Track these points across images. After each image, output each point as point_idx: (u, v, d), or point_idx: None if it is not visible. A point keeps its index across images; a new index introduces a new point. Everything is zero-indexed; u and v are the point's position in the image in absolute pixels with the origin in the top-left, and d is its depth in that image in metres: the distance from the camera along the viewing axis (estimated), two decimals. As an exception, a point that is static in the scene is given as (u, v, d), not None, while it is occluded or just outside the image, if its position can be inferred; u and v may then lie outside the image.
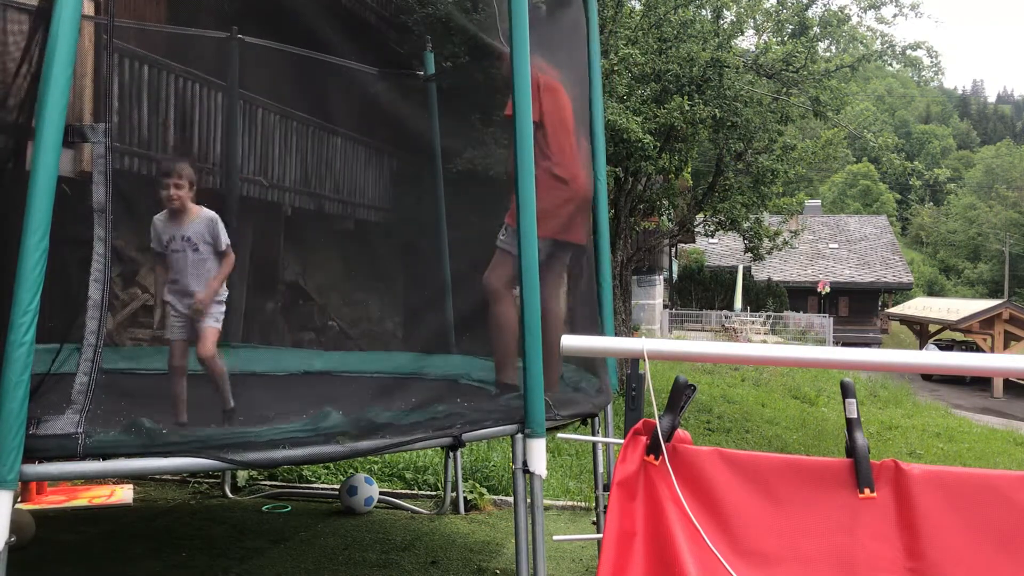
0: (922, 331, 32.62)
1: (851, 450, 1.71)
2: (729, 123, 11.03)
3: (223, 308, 4.04)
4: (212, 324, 3.96)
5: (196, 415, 3.38)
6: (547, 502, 5.92)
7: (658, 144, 10.59)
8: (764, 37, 11.89)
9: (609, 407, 4.14)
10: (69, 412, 2.50)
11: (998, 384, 25.43)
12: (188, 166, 3.98)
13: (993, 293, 51.78)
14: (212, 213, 3.99)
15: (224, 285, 4.07)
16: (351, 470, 6.20)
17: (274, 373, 5.29)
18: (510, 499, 5.78)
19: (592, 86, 4.45)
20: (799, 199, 18.73)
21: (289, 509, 5.57)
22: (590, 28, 4.39)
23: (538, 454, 3.10)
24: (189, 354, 3.88)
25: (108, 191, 2.78)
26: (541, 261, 3.74)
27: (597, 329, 4.25)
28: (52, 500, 5.41)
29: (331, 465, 6.28)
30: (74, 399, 2.54)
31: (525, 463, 3.11)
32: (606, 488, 3.97)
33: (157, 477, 5.95)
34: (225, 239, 3.97)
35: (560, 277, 4.08)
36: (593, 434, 4.04)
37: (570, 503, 6.13)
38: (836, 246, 42.54)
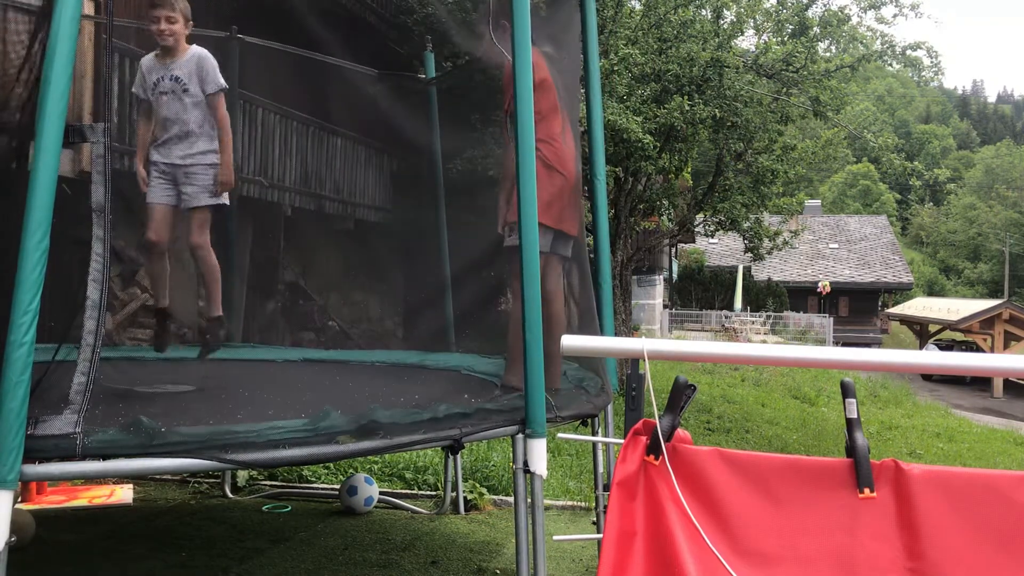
0: (922, 331, 32.63)
1: (851, 450, 1.71)
2: (729, 123, 11.03)
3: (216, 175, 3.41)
4: (207, 200, 3.38)
5: (196, 414, 3.37)
6: (547, 502, 5.92)
7: (658, 144, 10.59)
8: (764, 37, 11.89)
9: (609, 407, 4.14)
10: (67, 412, 2.49)
11: (998, 384, 25.43)
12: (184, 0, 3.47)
13: (993, 293, 51.80)
14: (204, 50, 3.46)
15: (224, 144, 3.45)
16: (351, 470, 6.20)
17: (274, 366, 5.29)
18: (510, 499, 5.78)
19: (591, 86, 4.45)
20: (799, 199, 18.73)
21: (289, 509, 5.57)
22: (588, 27, 4.39)
23: (539, 454, 3.10)
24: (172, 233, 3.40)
25: (107, 191, 2.77)
26: (545, 251, 3.73)
27: (595, 324, 4.25)
28: (52, 500, 5.41)
29: (331, 465, 6.28)
30: (72, 399, 2.54)
31: (526, 463, 3.10)
32: (606, 488, 3.96)
33: (157, 477, 5.94)
34: (216, 82, 3.41)
35: (560, 270, 4.06)
36: (593, 434, 4.04)
37: (570, 503, 6.13)
38: (836, 246, 42.55)
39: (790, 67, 11.01)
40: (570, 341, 1.93)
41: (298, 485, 6.10)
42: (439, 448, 4.69)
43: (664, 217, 15.10)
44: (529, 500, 3.12)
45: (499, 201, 3.98)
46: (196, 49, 3.44)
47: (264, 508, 5.57)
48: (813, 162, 13.37)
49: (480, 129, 7.20)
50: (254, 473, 6.03)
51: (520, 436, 3.14)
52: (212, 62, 3.42)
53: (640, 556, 1.70)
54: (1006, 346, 26.46)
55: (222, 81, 3.45)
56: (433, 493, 6.11)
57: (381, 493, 5.75)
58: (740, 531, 1.69)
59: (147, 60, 3.43)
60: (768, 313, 31.20)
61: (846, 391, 1.77)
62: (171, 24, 3.36)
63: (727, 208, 12.56)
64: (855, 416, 1.75)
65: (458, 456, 5.62)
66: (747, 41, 13.22)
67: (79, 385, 2.58)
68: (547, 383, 3.30)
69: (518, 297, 3.62)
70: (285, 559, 4.51)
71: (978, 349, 26.92)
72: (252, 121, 8.51)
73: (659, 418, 1.75)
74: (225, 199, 3.53)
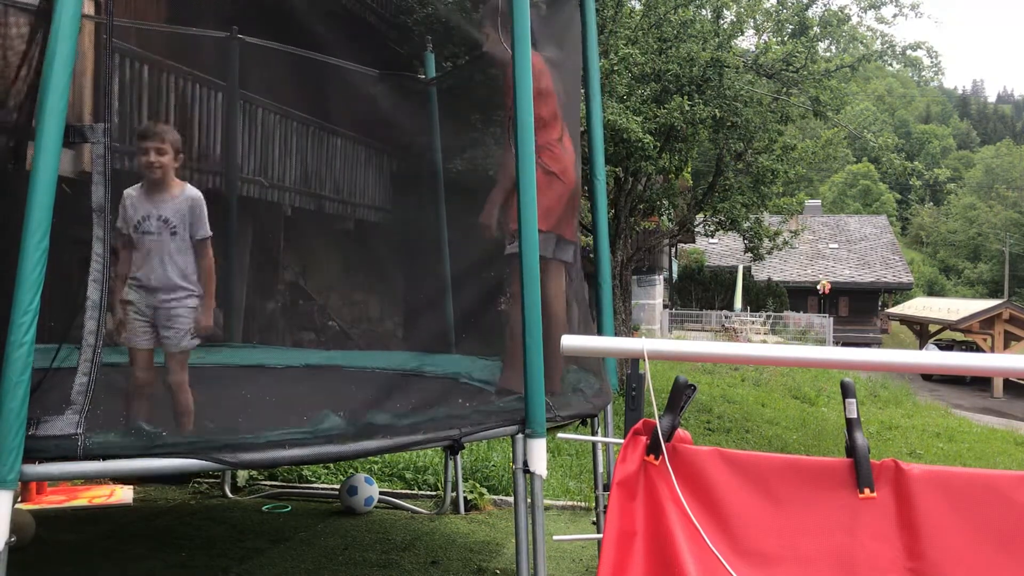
0: (922, 331, 32.62)
1: (851, 450, 1.71)
2: (729, 123, 11.03)
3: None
4: (187, 343, 3.27)
5: (196, 415, 3.37)
6: (547, 502, 5.92)
7: (658, 144, 10.59)
8: (764, 37, 11.90)
9: (609, 407, 4.14)
10: (68, 412, 2.49)
11: (998, 384, 25.43)
12: (174, 131, 3.37)
13: (993, 293, 51.79)
14: (197, 192, 3.34)
15: (208, 292, 3.35)
16: (351, 470, 6.20)
17: (274, 366, 5.30)
18: (510, 499, 5.78)
19: (591, 86, 4.44)
20: (799, 199, 18.72)
21: (289, 509, 5.57)
22: (588, 28, 4.38)
23: (539, 454, 3.10)
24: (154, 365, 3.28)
25: (107, 191, 2.76)
26: (547, 257, 3.73)
27: (591, 326, 4.25)
28: (52, 500, 5.41)
29: (331, 465, 6.28)
30: (73, 399, 2.54)
31: (525, 463, 3.10)
32: (606, 488, 3.96)
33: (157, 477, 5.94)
34: (206, 228, 3.31)
35: (562, 275, 4.06)
36: (593, 434, 4.04)
37: (570, 503, 6.13)
38: (836, 246, 42.55)
39: (790, 67, 11.01)
40: (570, 341, 1.93)
41: (298, 485, 6.10)
42: (439, 448, 4.69)
43: (664, 217, 15.10)
44: (529, 500, 3.12)
45: (493, 196, 3.93)
46: (190, 190, 3.32)
47: (264, 508, 5.57)
48: (813, 162, 13.37)
49: (480, 129, 7.19)
50: (254, 473, 6.04)
51: (520, 436, 3.14)
52: (203, 206, 3.31)
53: (640, 556, 1.70)
54: (1006, 346, 26.46)
55: (209, 228, 3.34)
56: (433, 493, 6.11)
57: (381, 493, 5.75)
58: (740, 531, 1.69)
59: (132, 194, 3.28)
60: (768, 313, 31.21)
61: (846, 391, 1.77)
62: (160, 156, 3.24)
63: (727, 208, 12.56)
64: (855, 416, 1.75)
65: (458, 456, 5.62)
66: (747, 41, 13.24)
67: (80, 385, 2.58)
68: (548, 386, 3.31)
69: (517, 301, 3.62)
70: (285, 559, 4.51)
71: (978, 349, 26.92)
72: (252, 121, 8.51)
73: (659, 418, 1.75)
74: (198, 340, 3.42)
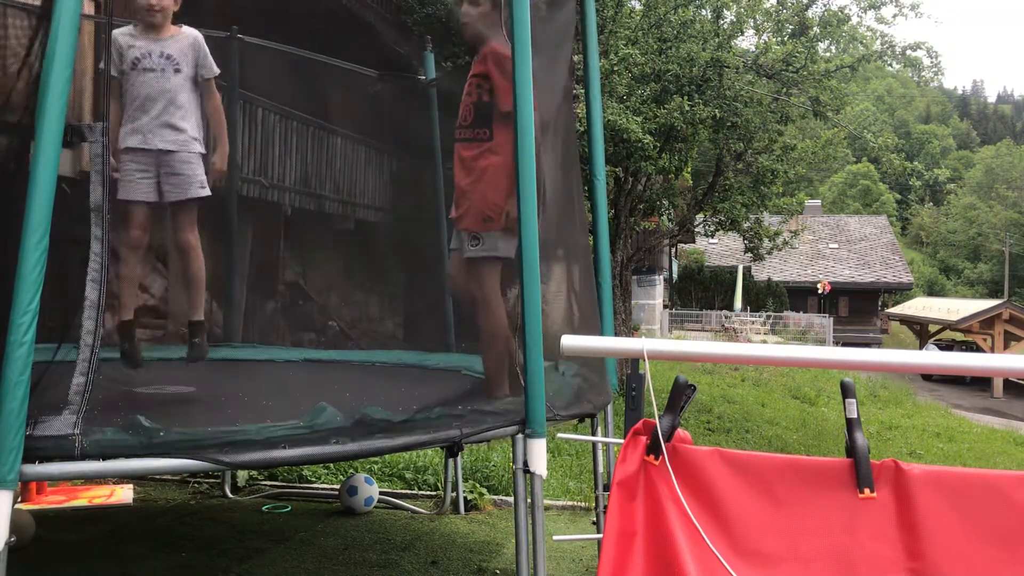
0: (922, 331, 32.63)
1: (851, 450, 1.71)
2: (729, 123, 11.03)
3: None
4: (196, 192, 2.97)
5: (196, 414, 3.37)
6: (547, 502, 5.92)
7: (658, 144, 10.59)
8: (764, 37, 11.90)
9: (609, 407, 4.14)
10: (67, 412, 2.49)
11: (998, 384, 25.42)
12: None
13: (993, 293, 51.80)
14: (198, 32, 3.11)
15: (222, 133, 3.12)
16: (351, 470, 6.20)
17: (273, 366, 5.30)
18: (510, 499, 5.78)
19: (591, 86, 4.44)
20: (799, 199, 18.71)
21: (289, 509, 5.57)
22: (588, 28, 4.38)
23: (539, 454, 3.10)
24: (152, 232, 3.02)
25: (106, 191, 2.75)
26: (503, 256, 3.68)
27: (596, 327, 4.23)
28: (52, 500, 5.41)
29: (331, 465, 6.28)
30: (71, 399, 2.54)
31: (525, 463, 3.10)
32: (606, 488, 3.96)
33: (157, 477, 5.94)
34: (212, 65, 3.06)
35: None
36: (593, 434, 4.04)
37: (570, 503, 6.13)
38: (836, 246, 42.55)
39: (790, 67, 11.00)
40: (570, 341, 1.93)
41: (298, 485, 6.10)
42: (439, 448, 4.68)
43: (664, 217, 15.10)
44: (529, 500, 3.11)
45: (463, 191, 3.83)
46: (190, 29, 3.11)
47: (264, 508, 5.57)
48: (813, 162, 13.37)
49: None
50: (254, 473, 6.04)
51: (520, 436, 3.14)
52: (205, 45, 3.12)
53: (640, 556, 1.70)
54: (1006, 346, 26.46)
55: (216, 66, 3.14)
56: (433, 493, 6.11)
57: (381, 493, 5.75)
58: (740, 531, 1.69)
59: (123, 35, 3.01)
60: (768, 313, 31.21)
61: (846, 391, 1.77)
62: None
63: (727, 208, 12.57)
64: (855, 416, 1.75)
65: (458, 456, 5.62)
66: (747, 41, 13.23)
67: (78, 385, 2.58)
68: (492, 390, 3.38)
69: (484, 309, 3.60)
70: (285, 559, 4.51)
71: (978, 349, 26.92)
72: (252, 121, 8.51)
73: (659, 418, 1.75)
74: (208, 190, 3.13)
